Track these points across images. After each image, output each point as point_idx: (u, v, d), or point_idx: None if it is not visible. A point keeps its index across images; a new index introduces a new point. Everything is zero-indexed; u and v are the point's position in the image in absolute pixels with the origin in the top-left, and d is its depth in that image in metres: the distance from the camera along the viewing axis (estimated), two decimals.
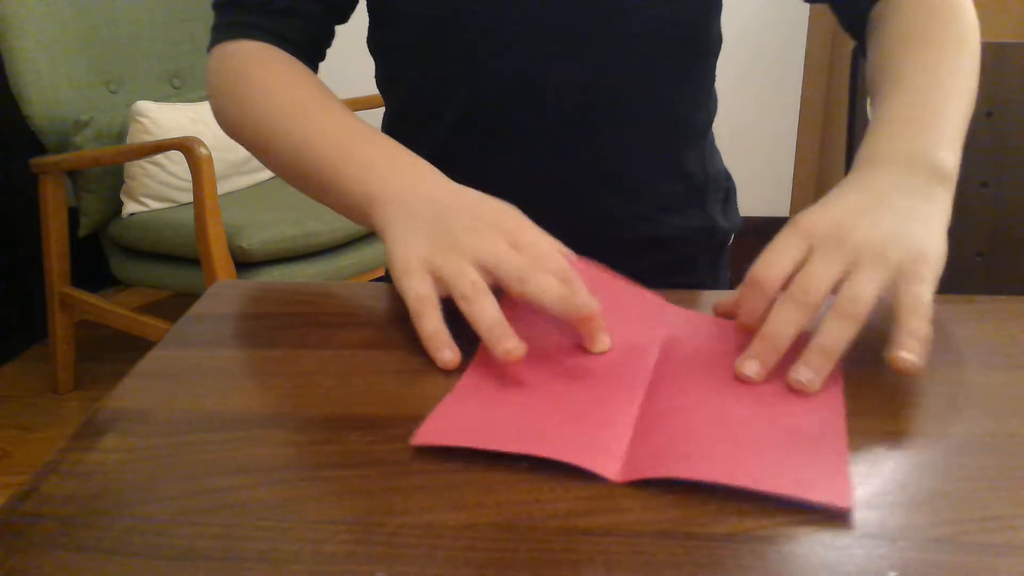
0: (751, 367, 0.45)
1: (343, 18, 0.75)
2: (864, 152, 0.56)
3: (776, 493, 0.35)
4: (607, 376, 0.46)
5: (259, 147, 0.66)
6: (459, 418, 0.42)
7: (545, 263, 0.49)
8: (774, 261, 0.48)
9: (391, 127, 0.80)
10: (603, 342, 0.49)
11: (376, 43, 0.77)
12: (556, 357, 0.49)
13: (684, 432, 0.40)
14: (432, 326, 0.48)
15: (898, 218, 0.49)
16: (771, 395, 0.44)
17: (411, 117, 0.77)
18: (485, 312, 0.47)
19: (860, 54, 0.74)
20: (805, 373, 0.44)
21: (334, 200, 0.61)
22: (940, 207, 0.52)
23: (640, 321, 0.52)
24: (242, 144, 0.68)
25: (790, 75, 2.49)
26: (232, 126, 0.68)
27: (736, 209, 0.83)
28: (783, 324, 0.45)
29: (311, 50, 0.72)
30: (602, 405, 0.43)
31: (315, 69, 0.74)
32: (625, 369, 0.47)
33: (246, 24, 0.69)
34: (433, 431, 0.40)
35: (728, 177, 0.83)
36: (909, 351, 0.43)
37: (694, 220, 0.77)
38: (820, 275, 0.46)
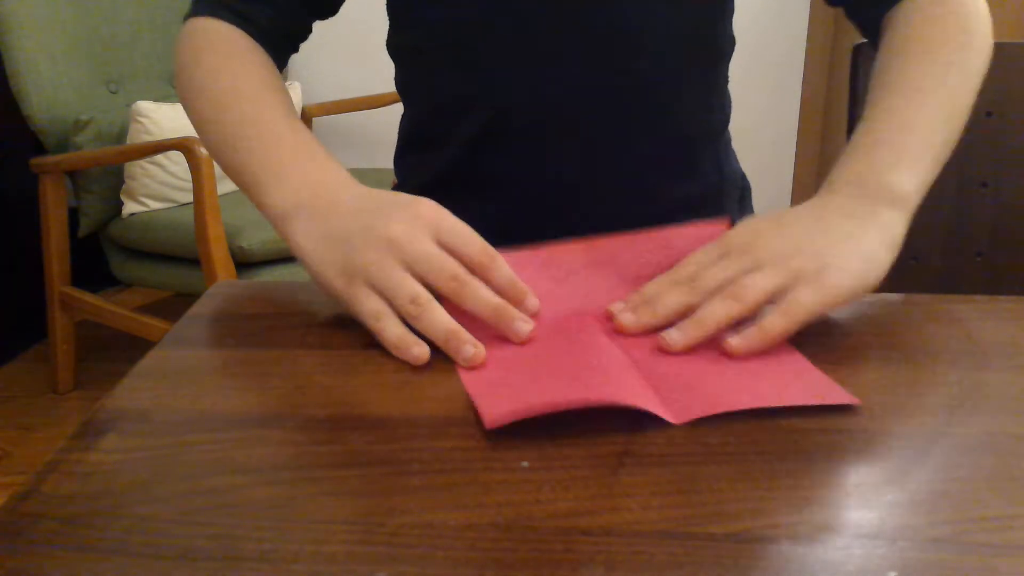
0: (627, 318, 0.50)
1: (321, 14, 0.75)
2: (828, 177, 0.58)
3: (797, 404, 0.42)
4: (583, 338, 0.50)
5: (200, 132, 0.67)
6: (507, 395, 0.43)
7: (465, 245, 0.50)
8: (690, 262, 0.53)
9: (411, 131, 0.80)
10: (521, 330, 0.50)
11: (395, 47, 0.77)
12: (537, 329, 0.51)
13: (691, 374, 0.46)
14: (395, 333, 0.48)
15: (816, 235, 0.52)
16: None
17: (431, 123, 0.77)
18: (436, 324, 0.48)
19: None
20: (673, 334, 0.48)
21: (256, 206, 0.61)
22: (881, 227, 0.53)
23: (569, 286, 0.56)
24: (191, 122, 0.68)
25: (790, 75, 2.49)
26: (184, 103, 0.69)
27: (751, 208, 0.84)
28: (664, 296, 0.51)
29: (279, 40, 0.72)
30: (606, 362, 0.47)
31: (284, 60, 0.74)
32: (587, 326, 0.51)
33: (218, 3, 0.70)
34: (499, 413, 0.41)
35: (743, 177, 0.83)
36: (741, 337, 0.47)
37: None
38: (713, 273, 0.51)
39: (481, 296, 0.49)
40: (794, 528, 0.34)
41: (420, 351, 0.48)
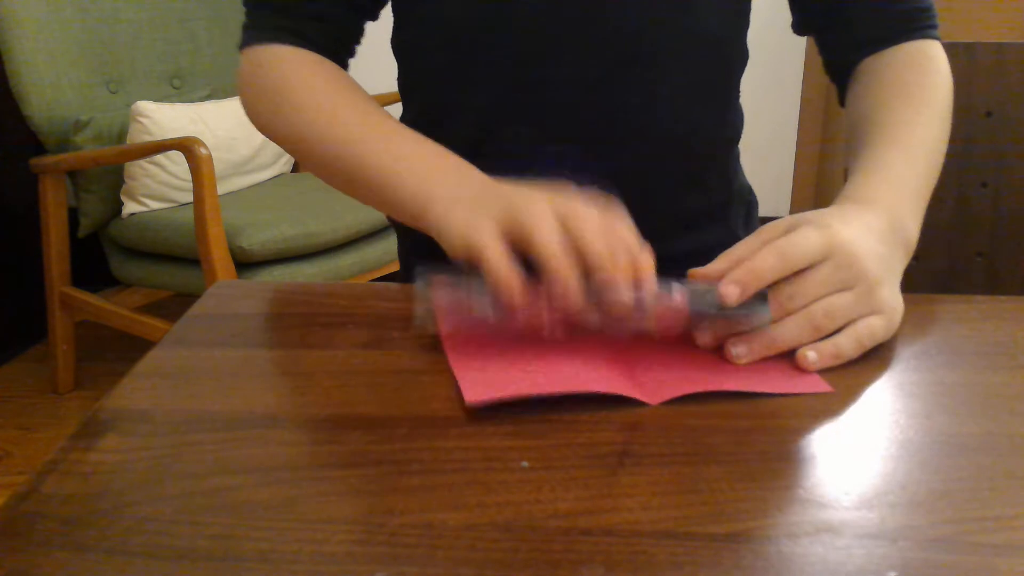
0: (742, 350, 0.48)
1: (373, 16, 0.74)
2: (856, 192, 0.58)
3: (774, 392, 0.44)
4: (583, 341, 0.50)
5: (301, 153, 0.66)
6: (489, 377, 0.45)
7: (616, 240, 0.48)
8: (799, 244, 0.49)
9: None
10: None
11: (400, 45, 0.77)
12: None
13: (673, 362, 0.48)
14: (504, 265, 0.46)
15: (886, 267, 0.52)
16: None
17: (432, 123, 0.76)
18: (552, 246, 0.46)
19: (840, 101, 0.76)
20: (741, 348, 0.48)
21: (383, 201, 0.61)
22: (900, 269, 0.55)
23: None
24: (283, 147, 0.69)
25: (790, 75, 2.49)
26: (271, 131, 0.69)
27: (756, 224, 0.83)
28: (787, 334, 0.48)
29: (341, 51, 0.73)
30: (589, 351, 0.48)
31: (344, 65, 0.74)
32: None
33: (277, 27, 0.70)
34: (481, 391, 0.43)
35: (750, 191, 0.83)
36: (818, 353, 0.47)
37: (716, 236, 0.77)
38: (816, 284, 0.49)
39: (571, 286, 0.46)
40: (794, 528, 0.34)
41: (521, 287, 0.46)
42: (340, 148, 0.63)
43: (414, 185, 0.58)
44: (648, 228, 0.74)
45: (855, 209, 0.55)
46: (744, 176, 0.82)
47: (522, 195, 0.50)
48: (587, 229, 0.47)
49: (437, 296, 0.50)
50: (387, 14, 0.76)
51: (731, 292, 0.47)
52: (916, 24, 0.70)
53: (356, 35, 0.74)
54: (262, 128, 0.70)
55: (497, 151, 0.72)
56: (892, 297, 0.51)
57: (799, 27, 0.77)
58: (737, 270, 0.48)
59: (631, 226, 0.50)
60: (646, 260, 0.48)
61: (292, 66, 0.68)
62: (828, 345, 0.48)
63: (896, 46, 0.70)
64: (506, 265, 0.46)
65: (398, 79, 0.79)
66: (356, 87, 0.68)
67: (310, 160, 0.66)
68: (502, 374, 0.45)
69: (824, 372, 0.47)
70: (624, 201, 0.73)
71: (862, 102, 0.68)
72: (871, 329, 0.49)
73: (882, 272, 0.50)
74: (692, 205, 0.76)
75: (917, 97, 0.66)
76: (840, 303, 0.48)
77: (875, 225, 0.53)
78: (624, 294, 0.46)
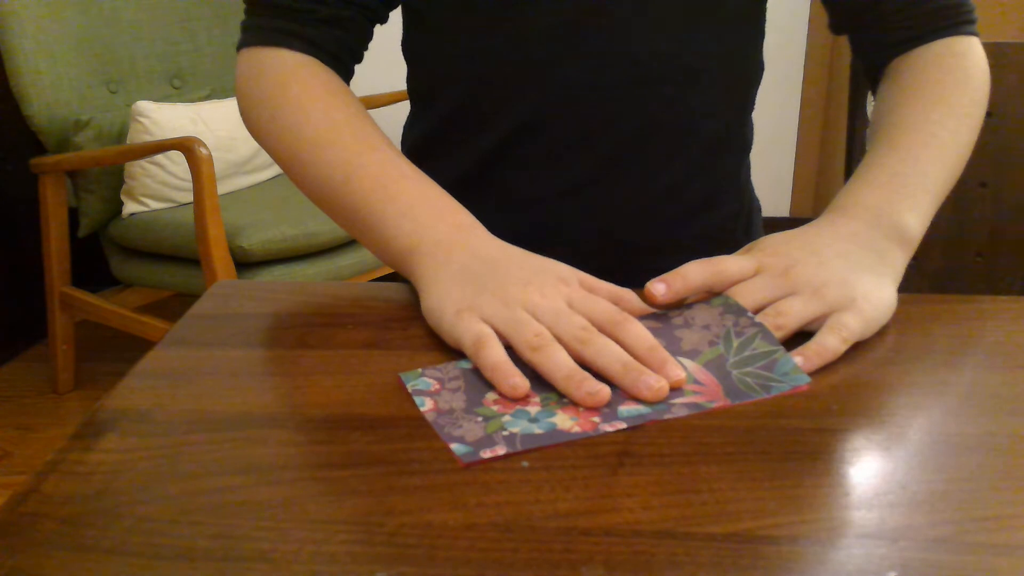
0: (659, 288, 0.50)
1: (383, 19, 0.72)
2: (839, 199, 0.59)
3: (756, 400, 0.44)
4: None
5: (294, 172, 0.63)
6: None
7: (608, 321, 0.48)
8: (723, 268, 0.52)
9: (423, 137, 0.77)
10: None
11: (412, 50, 0.75)
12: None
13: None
14: (496, 356, 0.46)
15: (846, 265, 0.53)
16: None
17: (448, 129, 0.74)
18: (559, 360, 0.45)
19: (872, 95, 0.76)
20: (660, 287, 0.50)
21: (370, 243, 0.59)
22: (892, 266, 0.55)
23: None
24: (275, 160, 0.65)
25: (790, 75, 2.49)
26: (265, 141, 0.66)
27: (759, 227, 0.83)
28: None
29: (349, 58, 0.70)
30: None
31: (351, 73, 0.71)
32: None
33: (283, 31, 0.65)
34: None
35: (754, 198, 0.83)
36: (803, 355, 0.47)
37: (728, 246, 0.77)
38: (750, 290, 0.51)
39: (611, 350, 0.46)
40: (794, 528, 0.34)
41: (520, 382, 0.44)
42: (333, 179, 0.60)
43: (402, 235, 0.56)
44: (666, 239, 0.74)
45: (828, 219, 0.57)
46: (752, 185, 0.82)
47: (518, 291, 0.49)
48: (598, 346, 0.46)
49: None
50: (395, 15, 0.75)
51: (657, 288, 0.50)
52: (948, 21, 0.69)
53: (364, 40, 0.71)
54: (256, 135, 0.67)
55: (515, 163, 0.71)
56: (863, 291, 0.51)
57: (835, 27, 0.76)
58: (667, 273, 0.51)
59: (637, 304, 0.51)
60: (675, 372, 0.45)
61: (293, 76, 0.65)
62: (811, 344, 0.48)
63: (925, 45, 0.69)
64: (504, 363, 0.45)
65: (408, 82, 0.77)
66: (356, 107, 0.64)
67: (302, 183, 0.63)
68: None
69: (826, 368, 0.47)
70: (645, 213, 0.73)
71: (879, 106, 0.68)
72: (843, 323, 0.49)
73: (839, 273, 0.51)
74: (708, 218, 0.76)
75: (931, 96, 0.65)
76: (791, 304, 0.50)
77: (846, 230, 0.55)
78: (655, 385, 0.44)
